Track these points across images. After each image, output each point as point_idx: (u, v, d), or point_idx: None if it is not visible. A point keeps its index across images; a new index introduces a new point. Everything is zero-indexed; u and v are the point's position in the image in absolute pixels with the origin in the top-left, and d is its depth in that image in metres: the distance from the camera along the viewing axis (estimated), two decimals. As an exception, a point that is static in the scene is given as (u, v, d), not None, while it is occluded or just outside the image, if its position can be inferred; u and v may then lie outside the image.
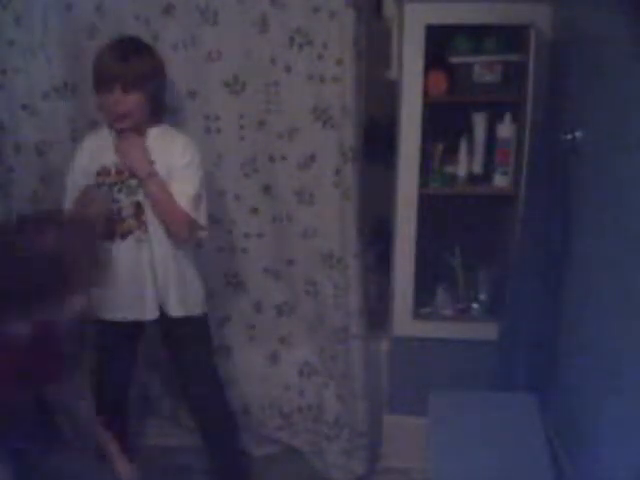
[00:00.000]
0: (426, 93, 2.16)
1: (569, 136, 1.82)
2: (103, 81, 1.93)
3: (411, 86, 2.14)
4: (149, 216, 1.98)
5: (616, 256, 1.58)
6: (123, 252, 1.98)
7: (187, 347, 2.16)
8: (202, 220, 2.01)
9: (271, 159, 2.27)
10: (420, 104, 2.15)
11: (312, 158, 2.23)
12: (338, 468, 2.41)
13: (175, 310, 2.05)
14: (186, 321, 2.08)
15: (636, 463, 1.41)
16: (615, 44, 1.60)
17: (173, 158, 1.98)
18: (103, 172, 1.98)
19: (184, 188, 1.97)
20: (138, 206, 1.98)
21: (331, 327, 2.34)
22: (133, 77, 1.92)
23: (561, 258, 1.94)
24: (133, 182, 1.98)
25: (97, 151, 2.02)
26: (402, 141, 2.20)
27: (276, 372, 2.51)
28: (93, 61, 1.97)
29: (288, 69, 2.16)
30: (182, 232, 1.99)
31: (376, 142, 2.32)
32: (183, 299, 2.06)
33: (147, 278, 2.01)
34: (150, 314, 2.03)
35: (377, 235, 2.55)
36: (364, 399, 2.35)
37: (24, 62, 2.20)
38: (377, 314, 2.45)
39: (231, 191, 2.30)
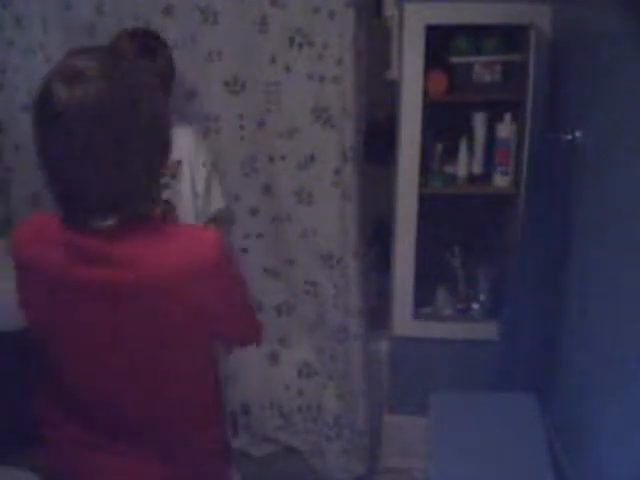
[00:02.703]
0: (426, 93, 2.16)
1: (569, 136, 1.82)
2: None
3: (411, 86, 2.14)
4: (181, 214, 1.99)
5: (616, 256, 1.58)
6: None
7: None
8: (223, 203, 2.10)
9: (271, 159, 2.27)
10: (420, 104, 2.15)
11: (312, 158, 2.23)
12: (338, 468, 2.41)
13: None
14: None
15: (636, 463, 1.41)
16: (615, 44, 1.60)
17: (187, 150, 1.99)
18: None
19: (214, 192, 2.05)
20: (167, 204, 1.98)
21: (331, 327, 2.34)
22: (162, 78, 1.89)
23: (561, 258, 1.94)
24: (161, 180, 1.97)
25: None
26: (402, 141, 2.20)
27: (276, 372, 2.51)
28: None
29: (288, 69, 2.16)
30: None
31: (376, 142, 2.32)
32: None
33: None
34: None
35: (377, 235, 2.55)
36: (364, 399, 2.35)
37: (24, 62, 2.20)
38: (377, 314, 2.45)
39: (231, 191, 2.30)
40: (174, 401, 1.22)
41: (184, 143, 2.00)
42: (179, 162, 1.96)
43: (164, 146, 1.15)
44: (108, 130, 1.04)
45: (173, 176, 1.97)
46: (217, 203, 2.08)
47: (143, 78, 1.11)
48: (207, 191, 2.04)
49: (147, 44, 1.91)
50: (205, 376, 1.27)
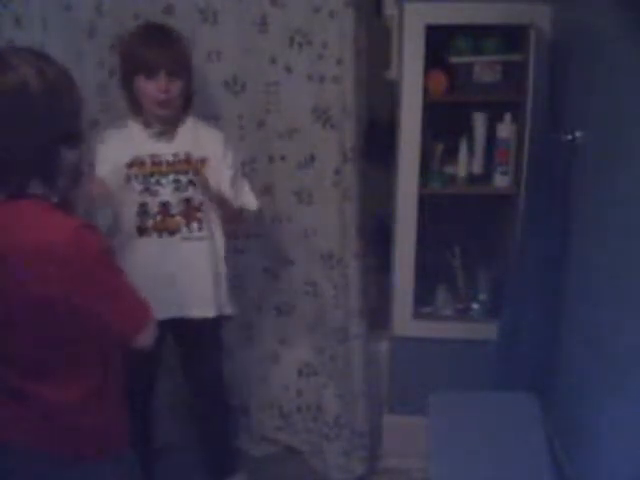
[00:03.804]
0: (426, 93, 2.15)
1: (569, 136, 1.82)
2: (147, 67, 1.88)
3: (411, 86, 2.14)
4: (206, 215, 1.99)
5: (616, 256, 1.58)
6: (171, 249, 1.97)
7: (213, 344, 2.20)
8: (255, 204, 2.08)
9: (271, 159, 2.27)
10: (420, 104, 2.15)
11: (312, 158, 2.23)
12: (338, 468, 2.41)
13: (228, 308, 2.08)
14: (219, 318, 2.10)
15: (636, 463, 1.41)
16: (615, 44, 1.59)
17: (214, 152, 1.99)
18: (136, 163, 1.94)
19: (245, 193, 2.04)
20: (188, 203, 1.97)
21: (331, 327, 2.34)
22: (178, 63, 1.90)
23: (561, 258, 1.94)
24: (183, 178, 1.96)
25: (125, 143, 1.95)
26: (402, 141, 2.20)
27: (276, 372, 2.51)
28: (128, 48, 1.92)
29: (288, 69, 2.16)
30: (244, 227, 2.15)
31: (376, 142, 2.32)
32: (228, 298, 2.08)
33: (201, 275, 2.00)
34: (205, 311, 2.03)
35: (377, 235, 2.55)
36: (364, 399, 2.35)
37: (24, 62, 2.19)
38: (377, 314, 2.45)
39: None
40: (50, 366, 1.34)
41: (211, 145, 2.00)
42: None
43: (48, 142, 1.27)
44: None
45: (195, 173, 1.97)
46: (250, 205, 2.06)
47: (52, 83, 1.28)
48: (232, 191, 2.02)
49: (161, 33, 1.92)
50: (73, 353, 1.35)
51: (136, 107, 1.96)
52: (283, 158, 2.26)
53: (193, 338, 2.16)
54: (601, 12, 1.69)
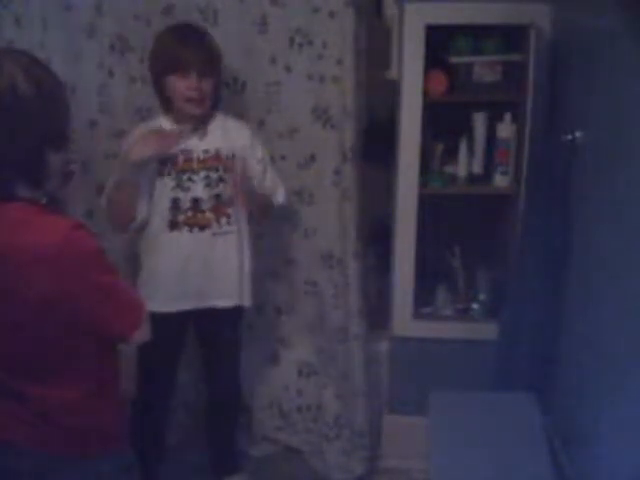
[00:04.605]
0: (426, 93, 2.15)
1: (569, 136, 1.82)
2: (178, 66, 1.89)
3: (411, 86, 2.14)
4: (235, 210, 2.00)
5: (616, 256, 1.58)
6: (202, 244, 1.99)
7: (234, 335, 2.21)
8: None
9: (271, 159, 2.27)
10: (420, 104, 2.15)
11: (312, 158, 2.24)
12: (338, 468, 2.41)
13: (248, 299, 2.10)
14: (239, 310, 2.13)
15: (636, 463, 1.41)
16: (615, 44, 1.59)
17: (242, 147, 2.01)
18: (168, 159, 1.94)
19: (277, 185, 2.09)
20: (218, 199, 1.99)
21: (331, 327, 2.34)
22: (208, 61, 1.92)
23: (561, 258, 1.94)
24: (214, 175, 1.97)
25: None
26: (402, 141, 2.20)
27: (276, 372, 2.51)
28: (159, 47, 1.93)
29: (288, 69, 2.16)
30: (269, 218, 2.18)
31: (376, 142, 2.32)
32: (249, 288, 2.10)
33: (228, 268, 2.02)
34: (227, 301, 2.06)
35: (377, 235, 2.55)
36: (364, 399, 2.35)
37: (24, 62, 2.19)
38: (377, 314, 2.45)
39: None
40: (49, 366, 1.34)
41: (239, 139, 2.02)
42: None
43: (36, 144, 1.26)
44: None
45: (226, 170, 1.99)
46: (279, 198, 2.10)
47: (41, 86, 1.25)
48: (261, 186, 2.04)
49: (191, 31, 1.94)
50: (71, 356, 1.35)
51: (167, 104, 1.98)
52: (283, 158, 2.26)
53: (215, 330, 2.18)
54: (601, 12, 1.69)
